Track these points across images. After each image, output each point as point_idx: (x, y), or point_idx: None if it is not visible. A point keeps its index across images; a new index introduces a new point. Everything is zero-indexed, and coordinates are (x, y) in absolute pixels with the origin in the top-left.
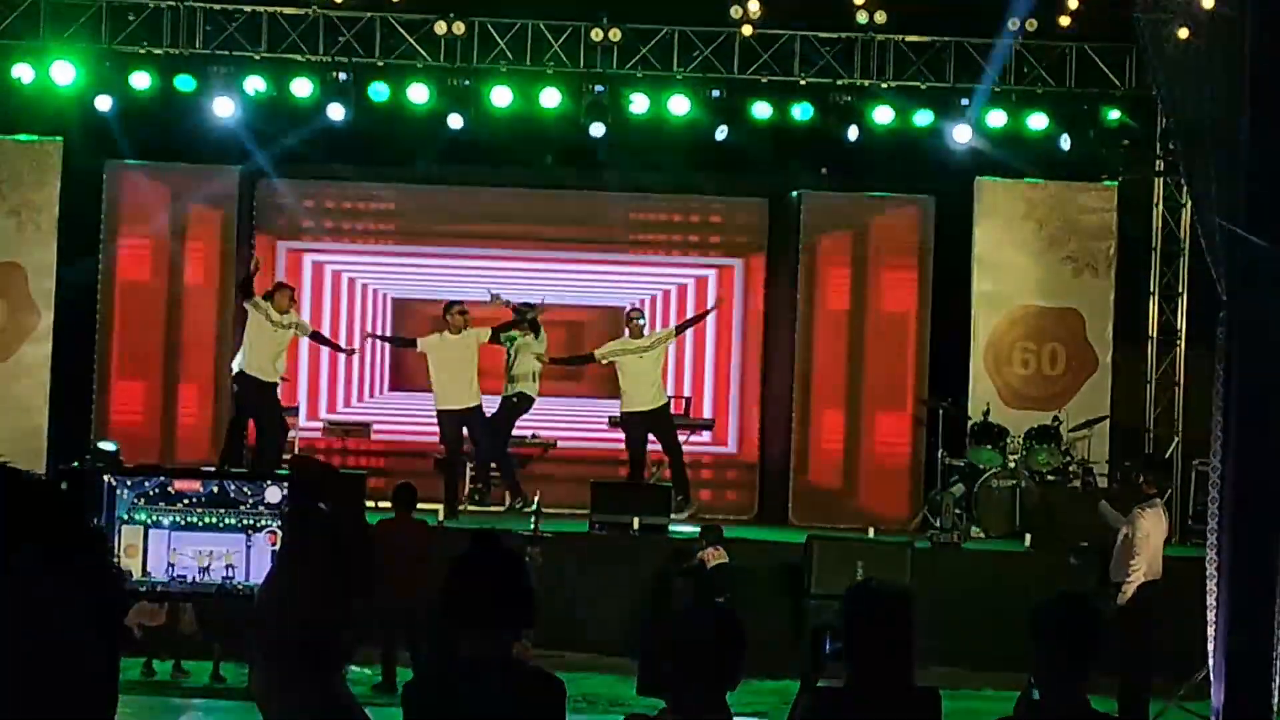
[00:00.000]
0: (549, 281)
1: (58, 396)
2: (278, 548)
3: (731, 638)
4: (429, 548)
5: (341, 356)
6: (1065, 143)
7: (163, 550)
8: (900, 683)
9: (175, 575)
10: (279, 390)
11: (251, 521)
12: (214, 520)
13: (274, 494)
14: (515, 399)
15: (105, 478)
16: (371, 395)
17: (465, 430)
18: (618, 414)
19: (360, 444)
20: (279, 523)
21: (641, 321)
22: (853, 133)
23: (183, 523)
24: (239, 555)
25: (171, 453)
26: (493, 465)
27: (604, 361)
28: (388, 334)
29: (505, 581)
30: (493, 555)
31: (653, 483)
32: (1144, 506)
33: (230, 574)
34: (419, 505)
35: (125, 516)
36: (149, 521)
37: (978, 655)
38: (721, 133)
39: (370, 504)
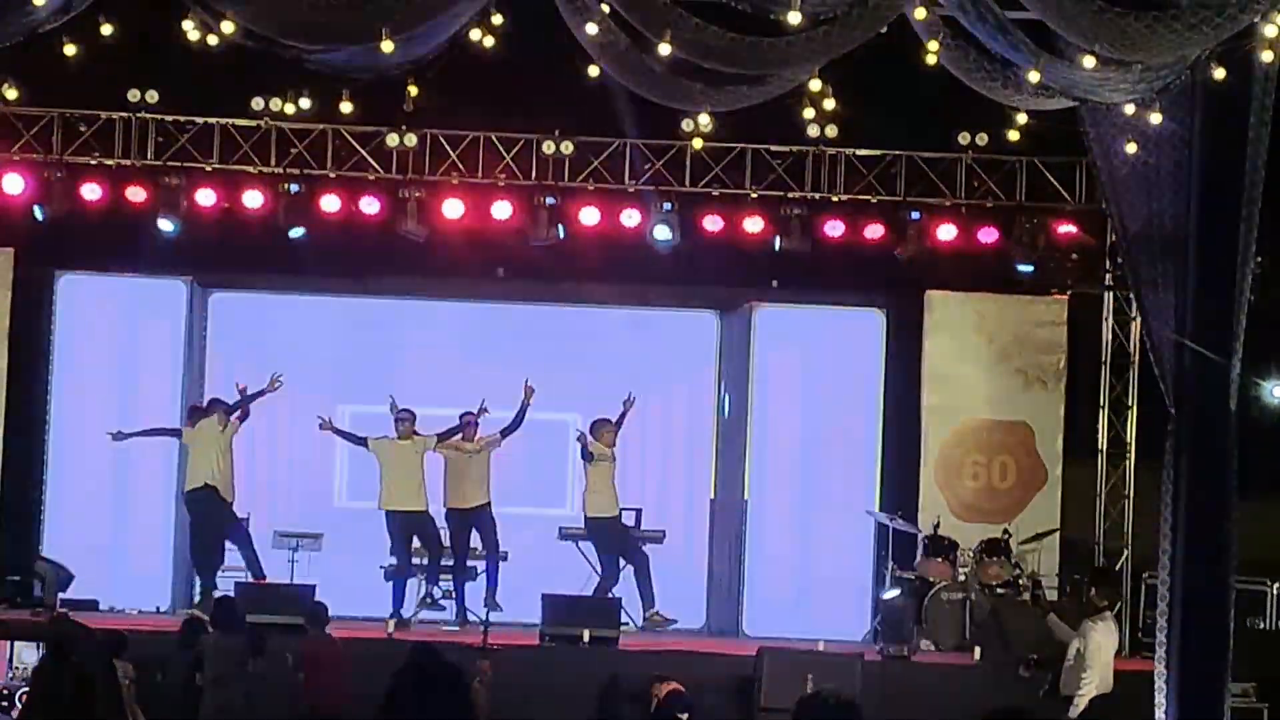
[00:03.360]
0: (498, 392)
1: (8, 510)
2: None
3: None
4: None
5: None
6: (1025, 265)
7: None
8: None
9: None
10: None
11: None
12: None
13: (29, 654)
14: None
15: None
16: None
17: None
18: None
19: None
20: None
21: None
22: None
23: None
24: None
25: (124, 565)
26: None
27: None
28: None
29: (445, 696)
30: (432, 670)
31: None
32: (1095, 620)
33: None
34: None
35: None
36: None
37: None
38: (665, 244)
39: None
